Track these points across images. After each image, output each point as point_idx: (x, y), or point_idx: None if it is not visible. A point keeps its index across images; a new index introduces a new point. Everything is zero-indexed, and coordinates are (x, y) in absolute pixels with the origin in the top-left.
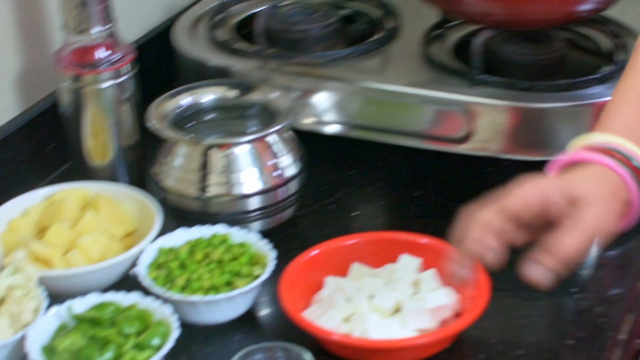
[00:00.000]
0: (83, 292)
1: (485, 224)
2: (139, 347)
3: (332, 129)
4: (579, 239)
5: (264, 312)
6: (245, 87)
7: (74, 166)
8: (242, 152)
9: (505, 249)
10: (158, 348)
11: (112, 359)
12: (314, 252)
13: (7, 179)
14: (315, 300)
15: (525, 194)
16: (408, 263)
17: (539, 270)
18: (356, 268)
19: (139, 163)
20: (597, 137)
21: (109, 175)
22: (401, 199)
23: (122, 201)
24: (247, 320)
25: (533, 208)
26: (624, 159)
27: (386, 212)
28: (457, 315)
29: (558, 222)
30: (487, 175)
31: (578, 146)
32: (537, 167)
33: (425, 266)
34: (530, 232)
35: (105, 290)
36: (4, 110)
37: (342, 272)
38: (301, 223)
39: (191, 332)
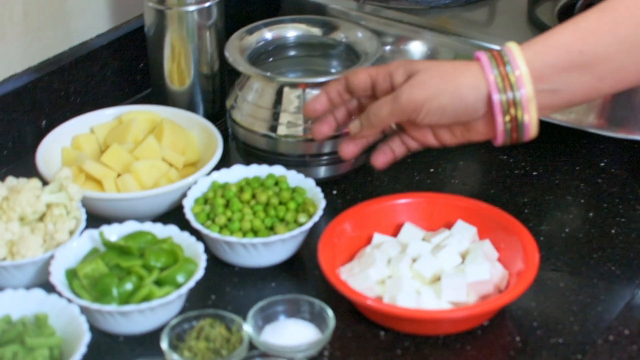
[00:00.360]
0: (128, 219)
1: (326, 88)
2: (161, 282)
3: None
4: (389, 105)
5: (307, 262)
6: (330, 26)
7: (155, 90)
8: (317, 93)
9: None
10: (180, 285)
11: (130, 292)
12: (368, 206)
13: (90, 93)
14: (357, 256)
15: (367, 71)
16: (462, 230)
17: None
18: (408, 228)
19: (217, 93)
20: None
21: (185, 101)
22: (485, 161)
23: (190, 130)
24: (286, 269)
25: (367, 80)
26: (500, 60)
27: (464, 172)
28: (501, 292)
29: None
30: (583, 148)
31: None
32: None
33: (481, 235)
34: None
35: (155, 219)
36: (93, 25)
37: (395, 231)
38: (371, 174)
39: (227, 273)
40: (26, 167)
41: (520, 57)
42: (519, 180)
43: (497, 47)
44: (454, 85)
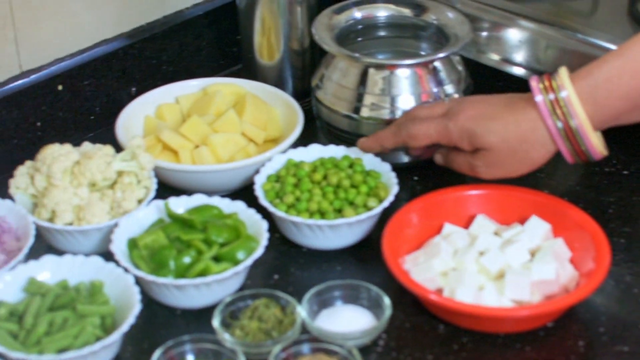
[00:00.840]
0: (201, 192)
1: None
2: (220, 258)
3: (511, 69)
4: (467, 170)
5: (377, 247)
6: (420, 7)
7: (244, 63)
8: (404, 76)
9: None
10: (239, 262)
11: (187, 265)
12: (440, 195)
13: (182, 63)
14: (425, 246)
15: (427, 136)
16: (536, 227)
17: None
18: (480, 221)
19: (306, 70)
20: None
21: (274, 76)
22: None
23: (274, 106)
24: (354, 253)
25: (428, 142)
26: (562, 116)
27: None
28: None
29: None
30: None
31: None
32: None
33: (556, 233)
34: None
35: (227, 194)
36: None
37: (468, 222)
38: None
39: (294, 253)
40: (112, 134)
41: (584, 117)
42: (608, 179)
43: (595, 41)
44: (530, 160)
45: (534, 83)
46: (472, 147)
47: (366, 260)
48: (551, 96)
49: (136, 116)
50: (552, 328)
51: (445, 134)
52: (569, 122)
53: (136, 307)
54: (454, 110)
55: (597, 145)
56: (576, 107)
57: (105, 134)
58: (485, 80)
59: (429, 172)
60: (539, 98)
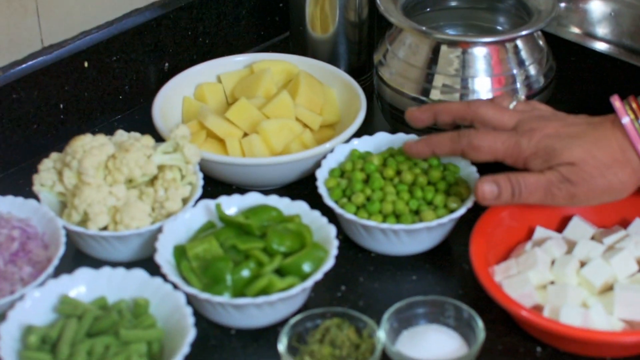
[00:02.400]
0: (251, 186)
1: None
2: (283, 270)
3: (597, 45)
4: (542, 195)
5: (456, 253)
6: None
7: (293, 36)
8: (481, 55)
9: None
10: (306, 276)
11: (247, 280)
12: None
13: (221, 34)
14: (515, 253)
15: (492, 146)
16: None
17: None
18: (576, 223)
19: (363, 44)
20: None
21: (326, 51)
22: None
23: (330, 86)
24: (431, 259)
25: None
26: None
27: None
28: None
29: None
30: None
31: None
32: None
33: None
34: None
35: (281, 189)
36: None
37: (560, 224)
38: None
39: (362, 260)
40: (143, 115)
41: None
42: None
43: None
44: (619, 184)
45: (617, 104)
46: (547, 165)
47: (443, 268)
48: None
49: (174, 97)
50: None
51: (515, 151)
52: None
53: (190, 333)
54: (527, 125)
55: None
56: None
57: (135, 116)
58: (564, 56)
59: (510, 168)
60: (625, 120)
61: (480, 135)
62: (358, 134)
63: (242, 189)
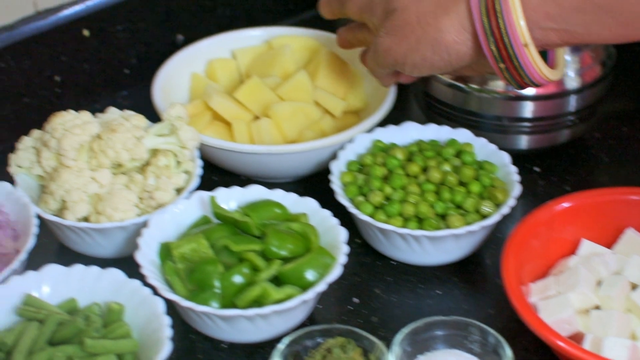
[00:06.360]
0: (257, 177)
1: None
2: (282, 278)
3: None
4: (372, 58)
5: (488, 265)
6: None
7: None
8: None
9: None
10: (308, 286)
11: (238, 287)
12: (578, 198)
13: (243, 5)
14: (556, 269)
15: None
16: None
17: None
18: (629, 237)
19: None
20: None
21: None
22: None
23: (356, 67)
24: (458, 271)
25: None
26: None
27: None
28: None
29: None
30: None
31: None
32: None
33: None
34: None
35: (290, 183)
36: None
37: (610, 237)
38: (588, 148)
39: (379, 268)
40: (150, 93)
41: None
42: None
43: None
44: (437, 41)
45: None
46: (384, 11)
47: (473, 282)
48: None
49: (181, 73)
50: None
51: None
52: (499, 19)
53: (165, 347)
54: None
55: (530, 55)
56: None
57: (143, 93)
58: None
59: (553, 162)
60: None
61: None
62: (385, 123)
63: (249, 181)
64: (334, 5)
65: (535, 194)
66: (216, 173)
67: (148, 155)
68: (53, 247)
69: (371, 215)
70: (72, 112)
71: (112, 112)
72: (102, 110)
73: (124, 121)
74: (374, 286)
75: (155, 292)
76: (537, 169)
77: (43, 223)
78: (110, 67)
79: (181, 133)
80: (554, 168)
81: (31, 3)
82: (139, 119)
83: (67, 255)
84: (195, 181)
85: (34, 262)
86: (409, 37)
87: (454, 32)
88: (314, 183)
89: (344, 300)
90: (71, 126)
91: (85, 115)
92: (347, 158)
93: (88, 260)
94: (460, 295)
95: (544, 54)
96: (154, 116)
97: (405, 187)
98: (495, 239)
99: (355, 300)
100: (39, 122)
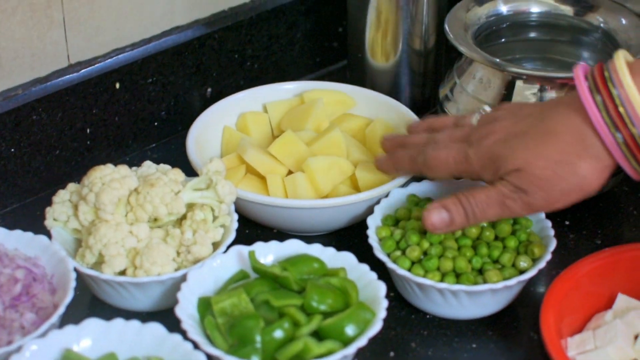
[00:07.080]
0: (291, 231)
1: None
2: (323, 333)
3: None
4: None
5: (524, 319)
6: (585, 4)
7: (351, 64)
8: (562, 92)
9: None
10: (348, 341)
11: (279, 341)
12: (614, 253)
13: (272, 59)
14: (592, 324)
15: (445, 161)
16: None
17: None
18: None
19: (428, 76)
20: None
21: (387, 82)
22: None
23: (388, 120)
24: (494, 325)
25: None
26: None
27: None
28: None
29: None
30: None
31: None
32: None
33: None
34: None
35: (325, 236)
36: None
37: None
38: (618, 201)
39: (415, 322)
40: (180, 145)
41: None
42: None
43: None
44: (577, 178)
45: (579, 74)
46: (497, 176)
47: (509, 336)
48: (602, 95)
49: (213, 126)
50: None
51: (466, 165)
52: (631, 130)
53: None
54: (477, 133)
55: None
56: (638, 108)
57: (172, 146)
58: None
59: (583, 215)
60: (585, 98)
61: (434, 152)
62: (418, 177)
63: (282, 235)
64: (414, 165)
65: (567, 247)
66: (249, 226)
67: (185, 210)
68: (86, 300)
69: (409, 270)
70: (110, 166)
71: (148, 166)
72: (131, 163)
73: (162, 175)
74: (410, 340)
75: (196, 347)
76: (567, 222)
77: (77, 277)
78: (140, 120)
79: (219, 187)
80: (585, 221)
81: (65, 56)
82: (177, 173)
83: (100, 308)
84: (232, 235)
85: (67, 315)
86: (550, 190)
87: (596, 173)
88: (348, 237)
89: (380, 354)
90: (109, 180)
91: (124, 169)
92: (382, 213)
93: (122, 313)
94: (495, 349)
95: None
96: (183, 169)
97: (442, 242)
98: (528, 292)
99: (392, 354)
100: (70, 174)
